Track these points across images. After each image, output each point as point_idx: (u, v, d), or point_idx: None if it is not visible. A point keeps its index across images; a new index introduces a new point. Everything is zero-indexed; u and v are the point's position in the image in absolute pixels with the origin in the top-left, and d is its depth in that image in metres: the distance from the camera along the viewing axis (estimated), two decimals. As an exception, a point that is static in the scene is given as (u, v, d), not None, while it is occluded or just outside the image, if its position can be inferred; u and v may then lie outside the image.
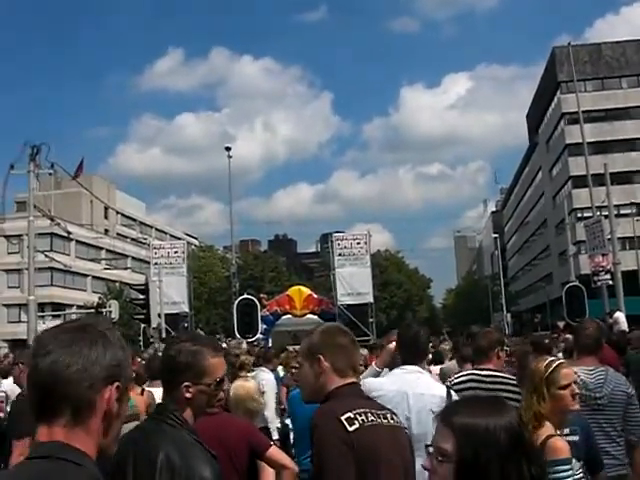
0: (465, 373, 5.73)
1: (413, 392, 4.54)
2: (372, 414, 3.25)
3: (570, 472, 3.94)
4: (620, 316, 23.23)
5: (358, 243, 37.44)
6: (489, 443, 1.91)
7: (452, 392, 4.74)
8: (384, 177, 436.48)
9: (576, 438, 4.29)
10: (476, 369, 5.71)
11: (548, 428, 4.08)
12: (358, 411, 3.19)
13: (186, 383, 3.09)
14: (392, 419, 3.37)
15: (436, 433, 2.02)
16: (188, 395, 3.10)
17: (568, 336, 17.94)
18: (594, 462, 4.56)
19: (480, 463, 1.91)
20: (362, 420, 3.17)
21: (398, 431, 3.36)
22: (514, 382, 5.37)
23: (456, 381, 5.56)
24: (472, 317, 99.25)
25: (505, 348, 5.84)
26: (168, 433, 2.99)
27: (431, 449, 2.02)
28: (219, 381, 3.16)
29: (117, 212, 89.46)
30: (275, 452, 4.37)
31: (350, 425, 3.12)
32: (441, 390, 4.69)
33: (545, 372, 4.23)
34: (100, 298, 36.42)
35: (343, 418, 3.13)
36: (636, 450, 4.56)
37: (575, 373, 5.31)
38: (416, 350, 4.94)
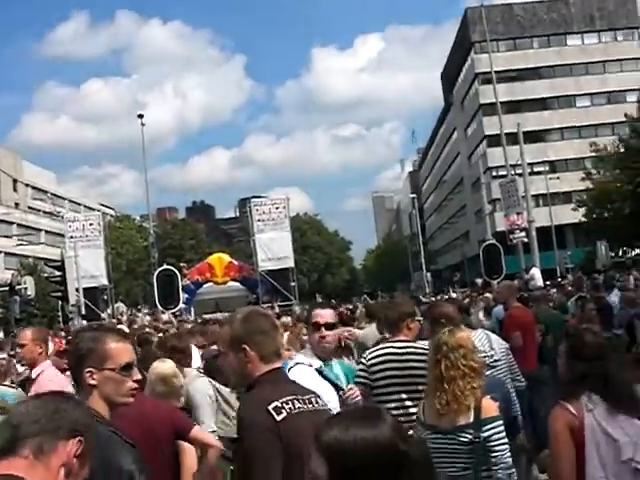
0: (380, 347, 5.68)
1: None
2: (298, 400, 3.22)
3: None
4: (536, 272, 23.81)
5: (277, 208, 37.43)
6: (357, 458, 1.75)
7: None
8: (300, 140, 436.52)
9: (497, 403, 4.34)
10: (390, 341, 5.71)
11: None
12: (285, 399, 3.17)
13: (88, 369, 2.99)
14: (317, 402, 3.35)
15: (312, 459, 1.85)
16: (92, 382, 2.99)
17: (487, 295, 18.30)
18: (513, 426, 4.73)
19: None
20: (289, 408, 3.15)
21: (322, 414, 3.28)
22: (425, 351, 5.42)
23: (370, 356, 5.51)
24: (393, 277, 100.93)
25: (417, 319, 5.89)
26: None
27: None
28: (124, 366, 3.04)
29: (26, 184, 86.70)
30: (199, 432, 4.31)
31: (278, 414, 3.10)
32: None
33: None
34: (13, 275, 35.42)
35: (270, 408, 3.11)
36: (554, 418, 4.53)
37: None
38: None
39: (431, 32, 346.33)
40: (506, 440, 4.15)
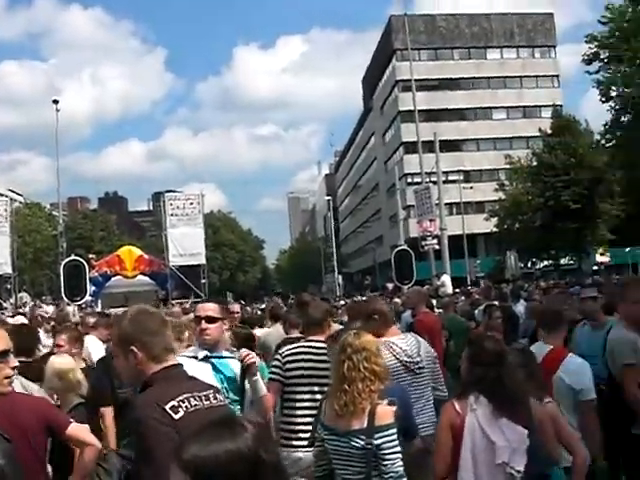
0: (298, 345, 5.74)
1: None
2: (195, 398, 3.13)
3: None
4: (446, 279, 24.16)
5: (191, 203, 37.08)
6: (222, 473, 1.69)
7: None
8: (217, 137, 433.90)
9: (394, 409, 4.33)
10: (308, 340, 5.76)
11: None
12: (181, 398, 3.07)
13: None
14: (214, 398, 3.25)
15: (172, 477, 1.76)
16: None
17: (397, 300, 18.38)
18: (409, 430, 4.70)
19: None
20: (186, 407, 3.05)
21: (219, 410, 3.20)
22: None
23: (287, 353, 5.57)
24: (305, 279, 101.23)
25: (334, 319, 5.95)
26: None
27: None
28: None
29: None
30: (75, 430, 4.11)
31: (175, 413, 3.00)
32: None
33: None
34: None
35: (168, 407, 3.00)
36: (441, 413, 4.73)
37: (393, 343, 5.72)
38: None
39: (354, 37, 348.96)
40: (398, 449, 4.13)
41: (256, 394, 4.82)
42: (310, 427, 5.09)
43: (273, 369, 5.57)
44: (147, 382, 3.17)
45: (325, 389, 5.12)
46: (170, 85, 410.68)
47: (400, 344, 5.78)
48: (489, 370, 4.03)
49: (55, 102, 40.72)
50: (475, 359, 4.24)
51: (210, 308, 4.96)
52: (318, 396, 5.24)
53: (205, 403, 3.15)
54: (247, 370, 4.73)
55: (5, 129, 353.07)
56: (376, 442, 4.07)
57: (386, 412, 4.15)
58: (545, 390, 4.70)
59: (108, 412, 6.89)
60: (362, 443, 4.09)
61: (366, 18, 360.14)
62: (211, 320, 4.88)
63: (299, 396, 5.42)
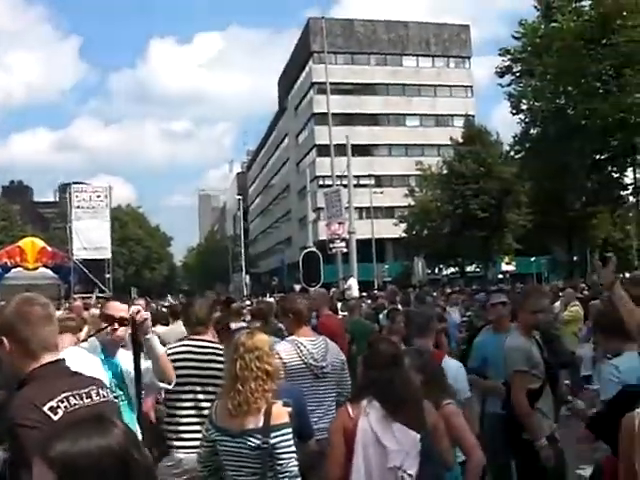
0: (181, 344, 5.63)
1: None
2: (74, 396, 2.96)
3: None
4: (353, 282, 24.22)
5: (98, 196, 36.47)
6: (92, 471, 1.62)
7: None
8: (129, 130, 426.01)
9: (289, 409, 4.30)
10: (191, 339, 5.65)
11: None
12: (60, 397, 2.89)
13: None
14: (97, 395, 3.09)
15: (36, 474, 1.66)
16: None
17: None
18: (304, 431, 4.73)
19: None
20: (65, 407, 2.88)
21: (101, 407, 3.04)
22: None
23: (171, 352, 5.38)
24: (212, 277, 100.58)
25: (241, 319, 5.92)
26: None
27: None
28: None
29: None
30: None
31: (54, 414, 2.82)
32: None
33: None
34: None
35: (46, 408, 2.82)
36: (334, 418, 4.72)
37: (302, 344, 5.79)
38: None
39: (272, 37, 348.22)
40: (293, 449, 4.11)
41: (153, 353, 4.57)
42: (192, 428, 5.02)
43: None
44: (24, 380, 2.99)
45: (209, 389, 5.13)
46: (83, 74, 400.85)
47: (308, 345, 5.81)
48: (382, 372, 4.06)
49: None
50: (370, 361, 4.30)
51: (123, 309, 4.63)
52: (200, 396, 5.22)
53: (86, 401, 3.00)
54: (139, 328, 4.45)
55: None
56: (272, 441, 4.03)
57: (281, 412, 4.13)
58: (446, 391, 4.71)
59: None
60: (258, 442, 4.04)
61: (285, 19, 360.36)
62: (123, 322, 4.62)
63: (182, 396, 5.29)
